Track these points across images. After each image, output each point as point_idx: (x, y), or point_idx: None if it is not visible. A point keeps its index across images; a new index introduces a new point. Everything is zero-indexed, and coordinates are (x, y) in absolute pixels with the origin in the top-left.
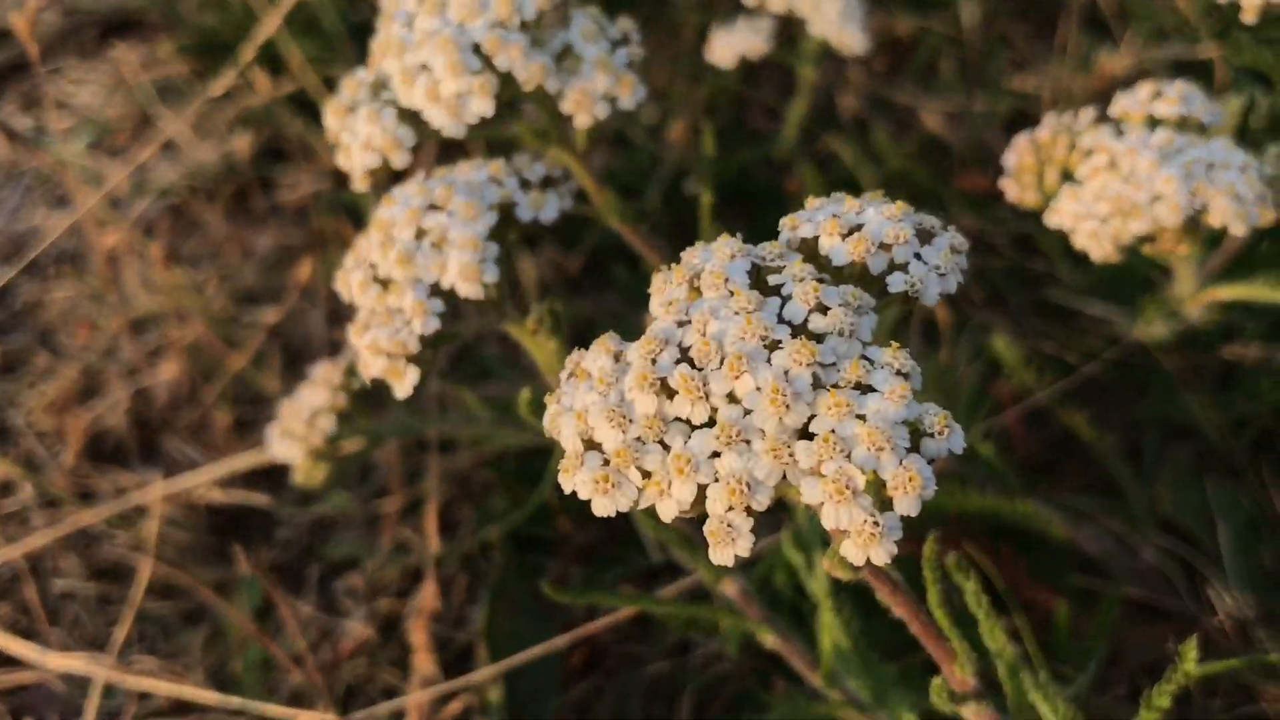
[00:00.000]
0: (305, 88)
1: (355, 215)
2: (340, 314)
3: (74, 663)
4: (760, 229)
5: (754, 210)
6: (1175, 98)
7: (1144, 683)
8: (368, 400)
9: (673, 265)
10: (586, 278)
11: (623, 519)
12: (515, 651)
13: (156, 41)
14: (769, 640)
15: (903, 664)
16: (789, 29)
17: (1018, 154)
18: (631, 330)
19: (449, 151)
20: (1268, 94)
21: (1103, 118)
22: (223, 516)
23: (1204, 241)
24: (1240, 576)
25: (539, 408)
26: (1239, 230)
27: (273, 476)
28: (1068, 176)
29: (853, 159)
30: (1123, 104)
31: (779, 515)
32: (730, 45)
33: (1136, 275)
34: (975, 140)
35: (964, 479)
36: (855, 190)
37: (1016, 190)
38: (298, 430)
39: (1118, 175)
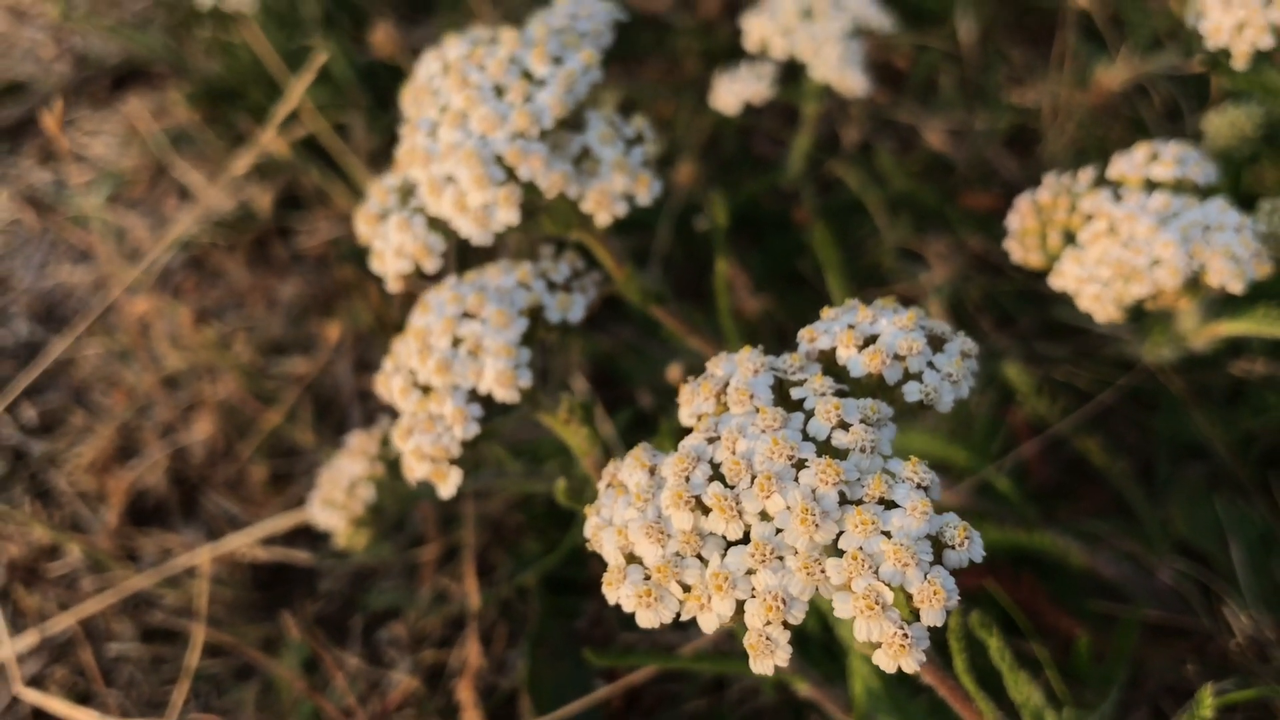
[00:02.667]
0: (317, 134)
1: None
2: (367, 362)
3: None
4: (768, 255)
5: (762, 237)
6: (1171, 160)
7: (1166, 704)
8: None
9: (699, 379)
10: (603, 310)
11: None
12: (557, 697)
13: (166, 90)
14: (803, 689)
15: (933, 698)
16: (791, 69)
17: (1020, 217)
18: (648, 361)
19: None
20: (1263, 105)
21: (1101, 180)
22: (266, 571)
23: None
24: (1255, 594)
25: (575, 494)
26: (1236, 289)
27: (312, 531)
28: (1069, 238)
29: (857, 183)
30: (1120, 167)
31: None
32: (733, 92)
33: None
34: (978, 158)
35: (983, 514)
36: (861, 214)
37: (1021, 252)
38: (338, 500)
39: (1118, 240)
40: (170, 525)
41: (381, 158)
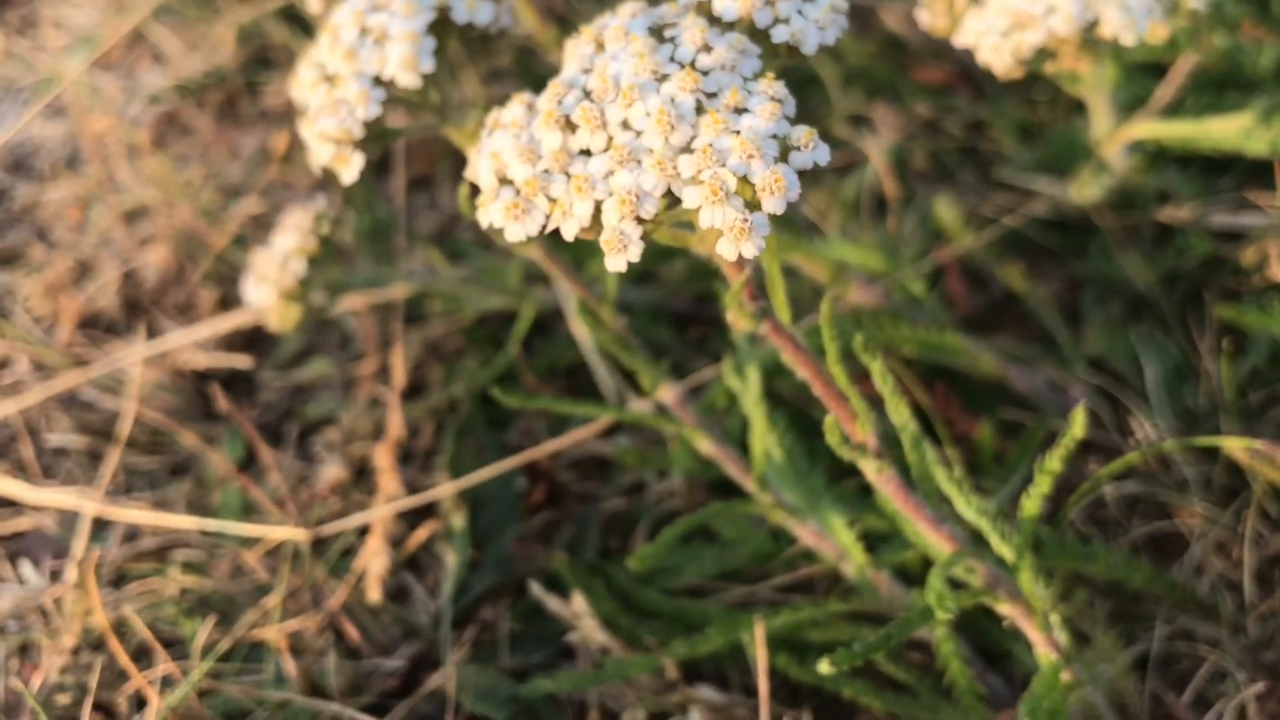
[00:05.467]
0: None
1: None
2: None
3: (63, 498)
4: None
5: None
6: None
7: (1061, 500)
8: (337, 252)
9: (582, 28)
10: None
11: (584, 377)
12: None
13: None
14: (704, 445)
15: (839, 489)
16: None
17: None
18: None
19: None
20: None
21: None
22: (209, 383)
23: (1110, 72)
24: (1165, 414)
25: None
26: (1128, 39)
27: (254, 344)
28: (976, 2)
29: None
30: None
31: (718, 350)
32: None
33: (1076, 149)
34: (932, 39)
35: (895, 313)
36: (817, 84)
37: (929, 18)
38: (271, 274)
39: None
40: (121, 339)
41: None
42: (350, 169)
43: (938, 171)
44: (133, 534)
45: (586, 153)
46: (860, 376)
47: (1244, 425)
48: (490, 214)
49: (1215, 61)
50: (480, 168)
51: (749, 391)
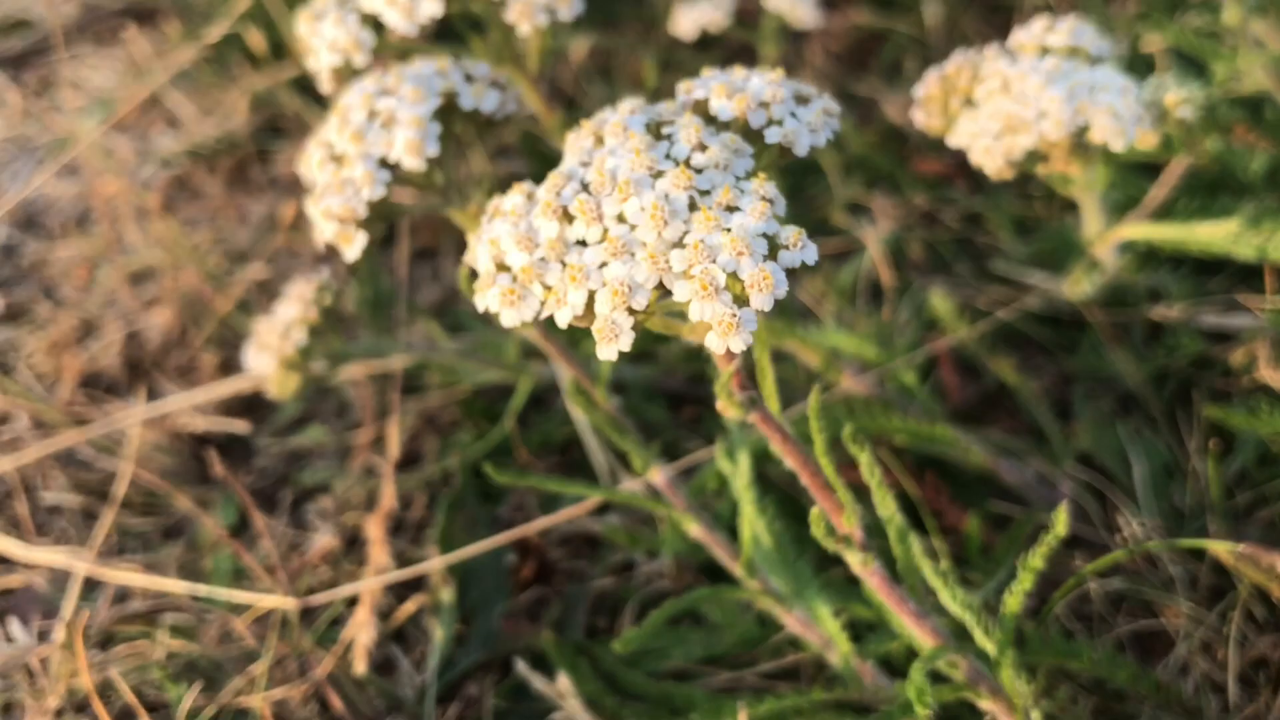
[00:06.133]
0: (305, 71)
1: None
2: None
3: (56, 557)
4: None
5: None
6: (1066, 31)
7: (1047, 595)
8: (339, 322)
9: (583, 121)
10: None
11: (577, 452)
12: (468, 561)
13: (169, 29)
14: (693, 529)
15: (827, 576)
16: (750, 8)
17: (926, 86)
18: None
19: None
20: (1200, 77)
21: (1003, 51)
22: (205, 446)
23: (1101, 174)
24: (1152, 512)
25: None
26: (1117, 145)
27: (252, 409)
28: (969, 102)
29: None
30: (1019, 36)
31: (712, 430)
32: (691, 19)
33: (1070, 245)
34: None
35: (886, 403)
36: (818, 172)
37: (924, 118)
38: (272, 343)
39: (1009, 96)
40: (120, 399)
41: None
42: (354, 247)
43: (933, 262)
44: (123, 595)
45: (582, 243)
46: (849, 465)
47: (1231, 526)
48: (487, 299)
49: (1208, 164)
50: (479, 253)
51: (739, 476)
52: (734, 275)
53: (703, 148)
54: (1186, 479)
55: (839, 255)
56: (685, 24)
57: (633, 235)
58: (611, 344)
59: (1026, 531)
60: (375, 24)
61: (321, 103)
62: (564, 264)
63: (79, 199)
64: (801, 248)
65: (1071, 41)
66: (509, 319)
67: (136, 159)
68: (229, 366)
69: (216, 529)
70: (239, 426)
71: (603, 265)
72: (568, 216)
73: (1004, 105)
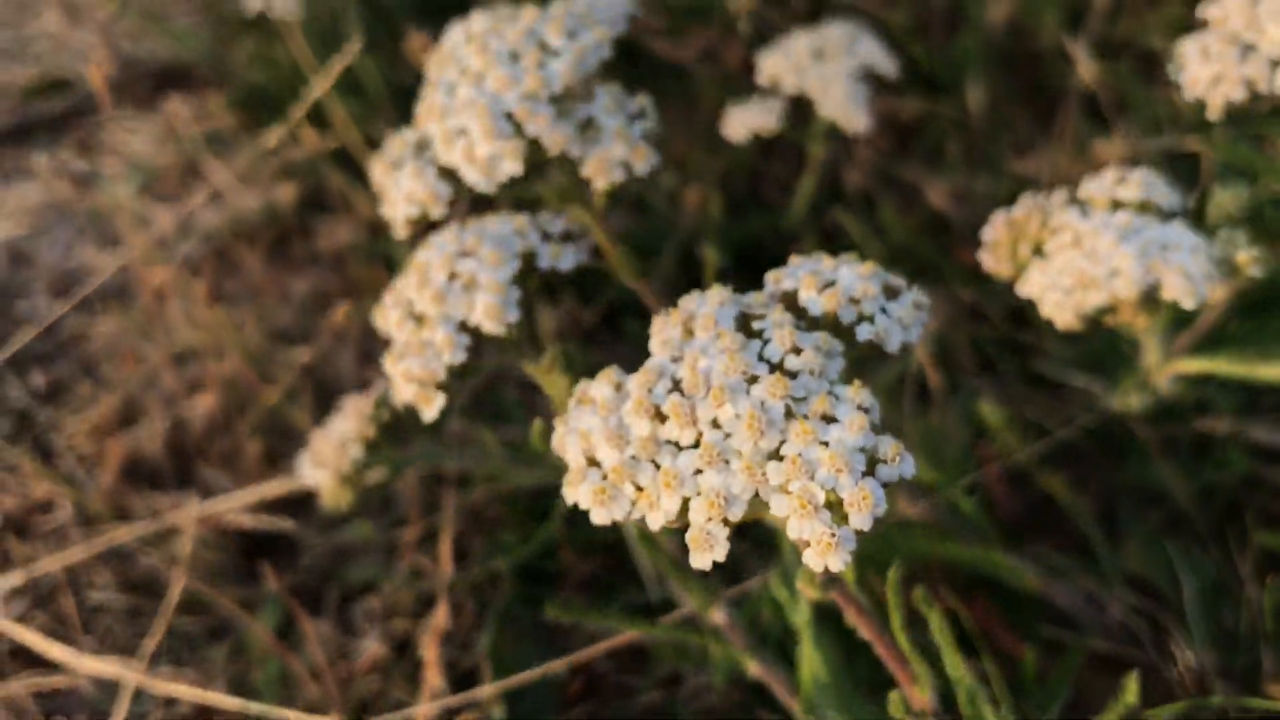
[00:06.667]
0: (347, 144)
1: (389, 264)
2: (370, 355)
3: (105, 667)
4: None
5: (761, 275)
6: (1138, 183)
7: None
8: (393, 432)
9: (671, 309)
10: (602, 330)
11: (623, 554)
12: (519, 673)
13: (206, 94)
14: (752, 668)
15: (881, 706)
16: (800, 109)
17: (994, 230)
18: (629, 337)
19: (480, 206)
20: (1250, 186)
21: (1073, 199)
22: (250, 541)
23: (1164, 316)
24: (1203, 634)
25: (549, 437)
26: (1189, 304)
27: (298, 505)
28: (1038, 250)
29: (859, 232)
30: (1089, 188)
31: (768, 554)
32: (744, 122)
33: (1118, 352)
34: (976, 219)
35: (945, 533)
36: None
37: (992, 262)
38: (328, 457)
39: (1081, 251)
40: (163, 490)
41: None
42: (432, 408)
43: (978, 359)
44: (171, 700)
45: (675, 443)
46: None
47: None
48: (578, 494)
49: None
50: (568, 444)
51: (799, 614)
52: (832, 491)
53: (796, 351)
54: (1239, 602)
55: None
56: (736, 127)
57: (727, 443)
58: (706, 554)
59: (1079, 662)
60: (451, 174)
61: (362, 177)
62: (656, 464)
63: (119, 272)
64: (899, 461)
65: (1143, 195)
66: (599, 517)
67: (176, 231)
68: (273, 455)
69: (264, 635)
70: (285, 526)
71: (697, 472)
72: (660, 415)
73: (1075, 261)
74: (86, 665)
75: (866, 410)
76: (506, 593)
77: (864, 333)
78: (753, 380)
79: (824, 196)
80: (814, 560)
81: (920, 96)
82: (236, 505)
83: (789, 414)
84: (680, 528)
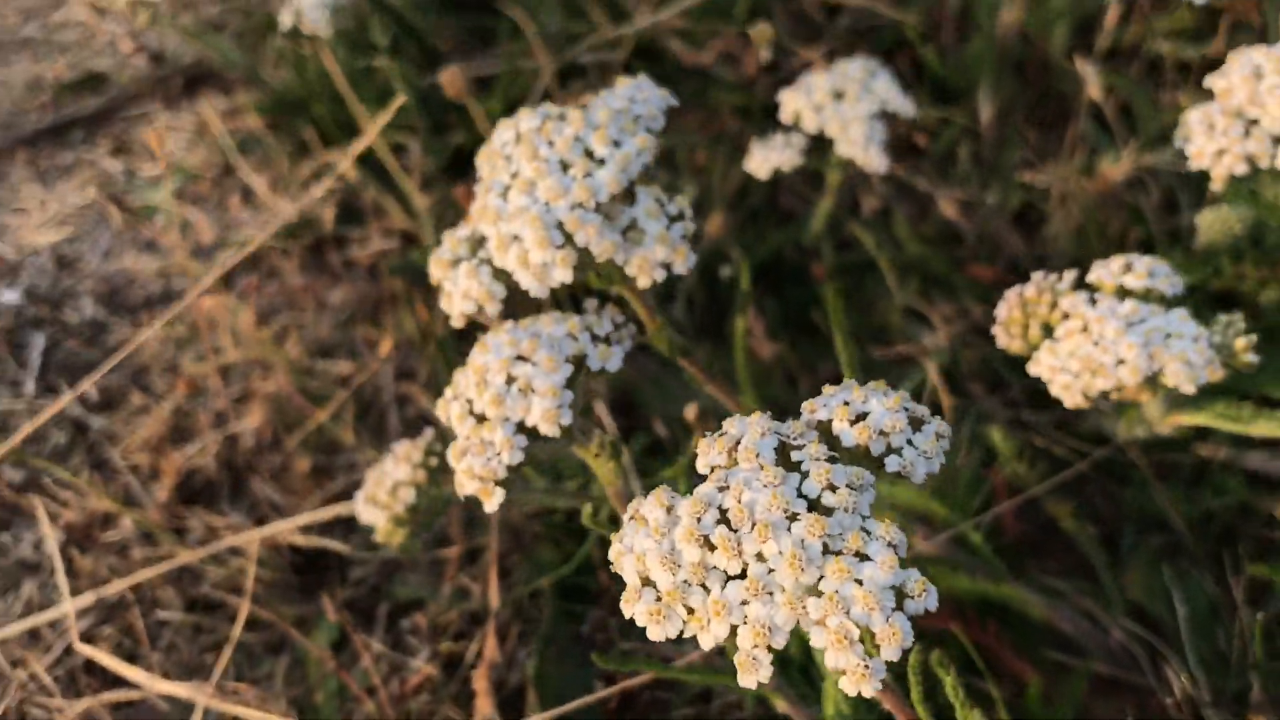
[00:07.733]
0: (377, 153)
1: (421, 275)
2: (407, 369)
3: (178, 690)
4: (785, 305)
5: (781, 287)
6: (1143, 272)
7: None
8: (441, 473)
9: (715, 435)
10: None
11: None
12: (561, 694)
13: (235, 94)
14: (780, 705)
15: None
16: (820, 139)
17: (1007, 307)
18: (666, 394)
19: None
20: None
21: (1081, 282)
22: (302, 556)
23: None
24: (1196, 657)
25: (595, 512)
26: (1189, 390)
27: (347, 521)
28: (1048, 330)
29: (873, 245)
30: (1098, 273)
31: None
32: (766, 158)
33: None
34: (986, 231)
35: (956, 564)
36: (875, 274)
37: (1005, 339)
38: (381, 499)
39: (1089, 338)
40: (217, 506)
41: (435, 179)
42: (493, 502)
43: (986, 377)
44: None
45: (722, 569)
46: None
47: (1276, 684)
48: (635, 611)
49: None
50: (624, 564)
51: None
52: (866, 628)
53: (832, 489)
54: (1231, 627)
55: (897, 361)
56: (760, 164)
57: (771, 577)
58: (752, 675)
59: (1082, 686)
60: (504, 274)
61: (394, 189)
62: (705, 587)
63: (160, 274)
64: (924, 596)
65: (1148, 283)
66: (654, 634)
67: (215, 236)
68: (320, 471)
69: (322, 655)
70: (337, 547)
71: (744, 602)
72: (708, 544)
73: (1084, 347)
74: (160, 687)
75: (896, 547)
76: (548, 614)
77: (892, 464)
78: (793, 518)
79: (840, 209)
80: (849, 687)
81: (932, 104)
82: (292, 527)
83: (826, 549)
84: (728, 645)
